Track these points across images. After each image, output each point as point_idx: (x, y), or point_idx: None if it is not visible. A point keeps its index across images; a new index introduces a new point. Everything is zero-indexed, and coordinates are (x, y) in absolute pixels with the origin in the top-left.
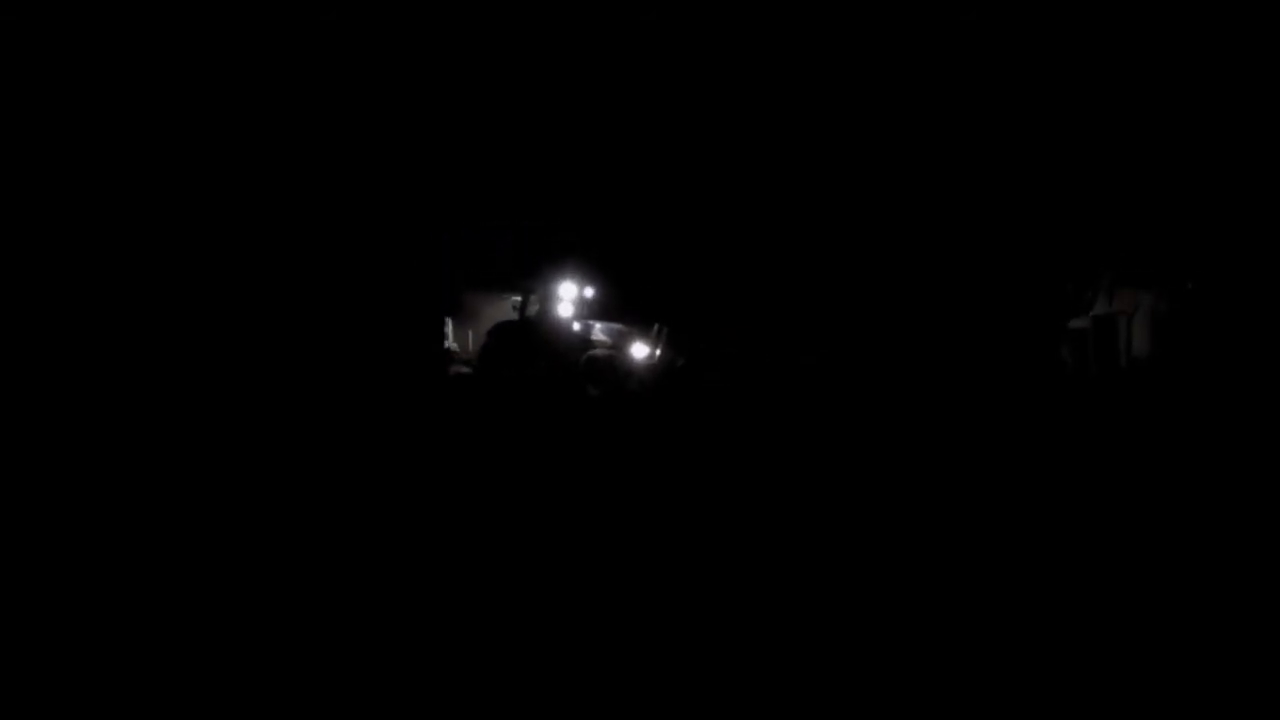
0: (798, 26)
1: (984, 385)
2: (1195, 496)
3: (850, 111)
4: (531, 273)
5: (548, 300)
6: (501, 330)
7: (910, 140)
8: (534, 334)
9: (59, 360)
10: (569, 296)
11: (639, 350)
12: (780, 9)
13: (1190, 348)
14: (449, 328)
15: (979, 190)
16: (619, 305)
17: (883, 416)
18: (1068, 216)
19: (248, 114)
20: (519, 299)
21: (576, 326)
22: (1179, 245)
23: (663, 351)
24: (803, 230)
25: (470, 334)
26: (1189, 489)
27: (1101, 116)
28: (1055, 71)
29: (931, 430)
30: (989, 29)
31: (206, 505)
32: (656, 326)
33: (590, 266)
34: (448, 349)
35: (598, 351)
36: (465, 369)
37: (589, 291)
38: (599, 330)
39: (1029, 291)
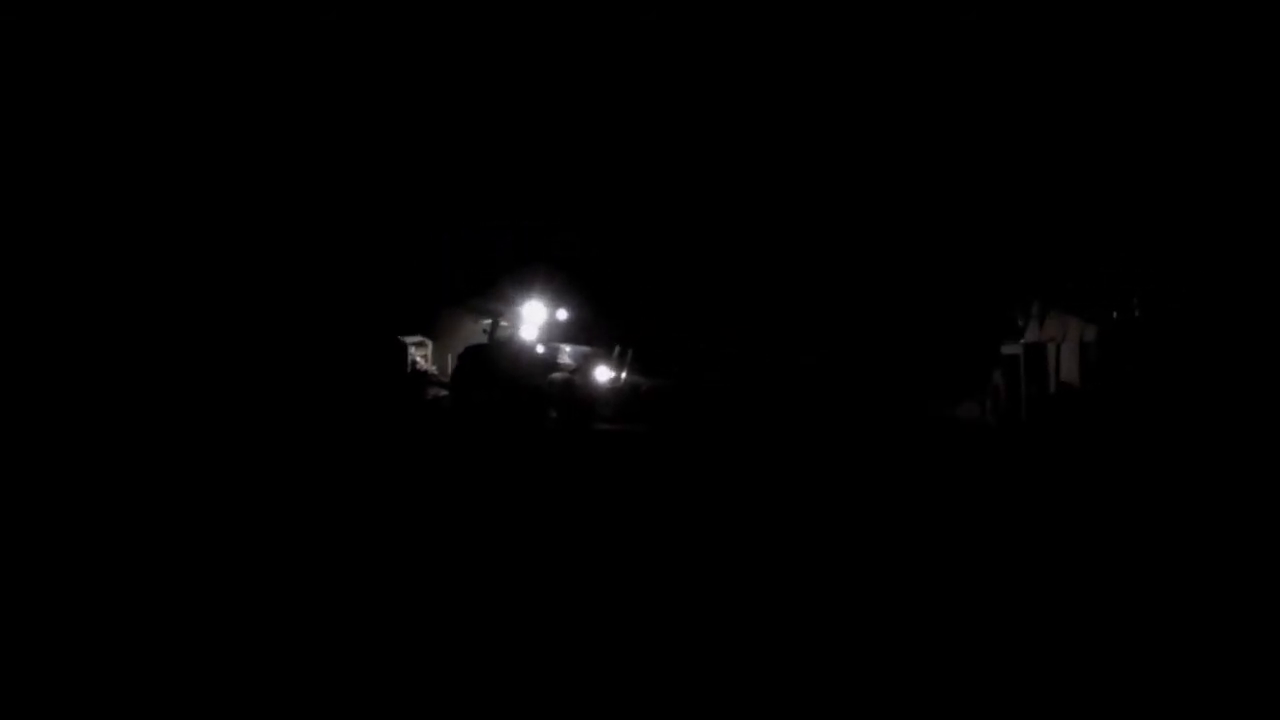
0: (780, 41)
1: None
2: (1127, 511)
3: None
4: (501, 296)
5: (514, 323)
6: (469, 354)
7: (866, 163)
8: (498, 358)
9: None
10: (536, 319)
11: (602, 373)
12: (760, 28)
13: (1116, 374)
14: (428, 349)
15: (919, 218)
16: (593, 327)
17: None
18: (1003, 246)
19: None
20: (489, 322)
21: (541, 349)
22: (1106, 274)
23: (627, 375)
24: (767, 239)
25: (450, 356)
26: (1122, 503)
27: (1036, 153)
28: (993, 101)
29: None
30: (928, 68)
31: (172, 514)
32: (617, 349)
33: (566, 288)
34: (425, 371)
35: (556, 375)
36: (443, 391)
37: (562, 314)
38: (567, 353)
39: (966, 316)
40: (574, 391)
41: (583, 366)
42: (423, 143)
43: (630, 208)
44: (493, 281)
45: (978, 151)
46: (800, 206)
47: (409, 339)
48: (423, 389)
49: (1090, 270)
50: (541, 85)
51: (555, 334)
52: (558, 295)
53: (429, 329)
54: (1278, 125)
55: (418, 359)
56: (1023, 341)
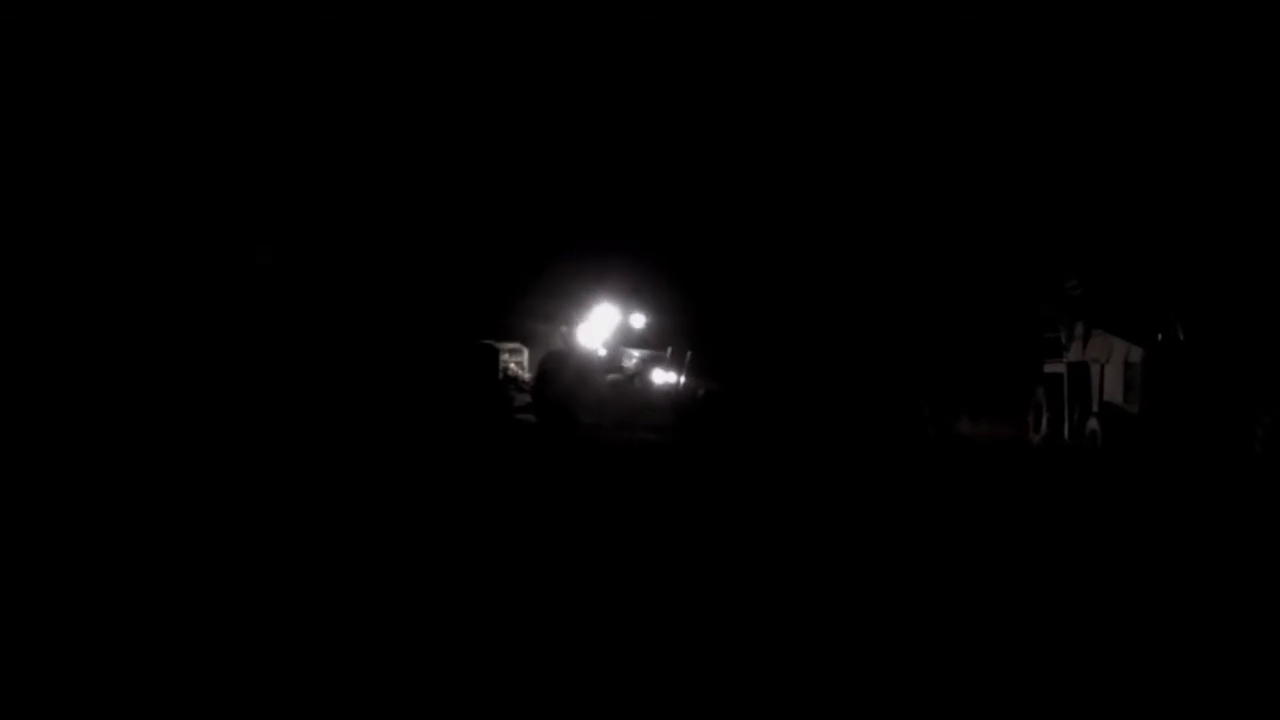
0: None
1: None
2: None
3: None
4: (577, 302)
5: (583, 329)
6: (544, 360)
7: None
8: (562, 364)
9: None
10: (605, 325)
11: (659, 376)
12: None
13: (1160, 395)
14: (524, 356)
15: (968, 237)
16: (667, 331)
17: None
18: (1047, 265)
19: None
20: (566, 328)
21: (603, 354)
22: (1152, 295)
23: (687, 379)
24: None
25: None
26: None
27: (1082, 173)
28: (1034, 107)
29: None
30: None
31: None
32: (670, 349)
33: (640, 294)
34: (515, 377)
35: (610, 378)
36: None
37: (638, 319)
38: (635, 358)
39: (1009, 334)
40: (623, 395)
41: (641, 371)
42: (518, 156)
43: (703, 214)
44: (573, 289)
45: (1024, 171)
46: (854, 225)
47: (505, 345)
48: (509, 394)
49: (1135, 291)
50: (618, 102)
51: (628, 339)
52: (632, 301)
53: (526, 336)
54: None
55: (511, 365)
56: (1066, 360)
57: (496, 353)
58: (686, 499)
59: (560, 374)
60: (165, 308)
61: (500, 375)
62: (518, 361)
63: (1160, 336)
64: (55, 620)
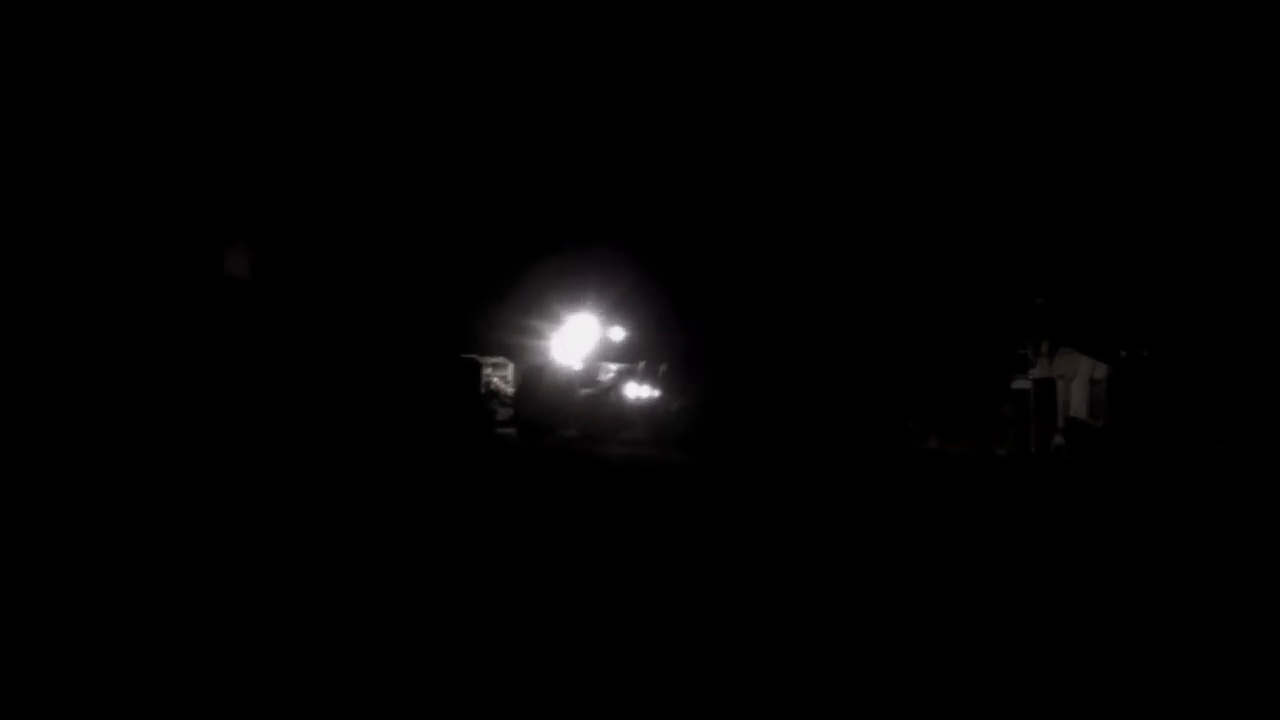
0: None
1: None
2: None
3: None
4: (555, 317)
5: (560, 344)
6: (525, 373)
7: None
8: (543, 377)
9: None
10: (583, 339)
11: (632, 390)
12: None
13: (1124, 411)
14: (508, 370)
15: (937, 254)
16: (645, 344)
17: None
18: (1016, 284)
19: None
20: (546, 343)
21: (579, 368)
22: (1117, 314)
23: (661, 393)
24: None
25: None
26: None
27: (1045, 192)
28: (1004, 131)
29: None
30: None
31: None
32: (642, 364)
33: (620, 308)
34: (497, 391)
35: (585, 391)
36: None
37: (618, 332)
38: (612, 371)
39: (977, 351)
40: (599, 409)
41: (616, 384)
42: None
43: (680, 229)
44: (555, 304)
45: (994, 191)
46: (829, 241)
47: (489, 360)
48: (492, 409)
49: (1100, 310)
50: (602, 119)
51: (606, 353)
52: (611, 315)
53: (511, 350)
54: None
55: (495, 379)
56: (1032, 376)
57: (479, 367)
58: (665, 512)
59: (537, 389)
60: (142, 320)
61: (483, 389)
62: (501, 376)
63: (1125, 354)
64: (56, 621)
